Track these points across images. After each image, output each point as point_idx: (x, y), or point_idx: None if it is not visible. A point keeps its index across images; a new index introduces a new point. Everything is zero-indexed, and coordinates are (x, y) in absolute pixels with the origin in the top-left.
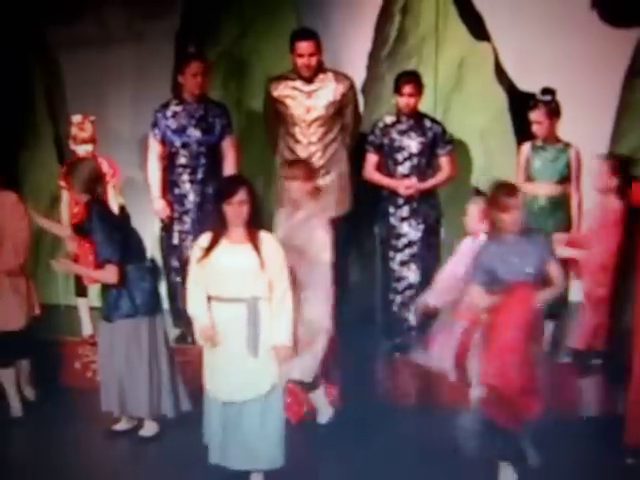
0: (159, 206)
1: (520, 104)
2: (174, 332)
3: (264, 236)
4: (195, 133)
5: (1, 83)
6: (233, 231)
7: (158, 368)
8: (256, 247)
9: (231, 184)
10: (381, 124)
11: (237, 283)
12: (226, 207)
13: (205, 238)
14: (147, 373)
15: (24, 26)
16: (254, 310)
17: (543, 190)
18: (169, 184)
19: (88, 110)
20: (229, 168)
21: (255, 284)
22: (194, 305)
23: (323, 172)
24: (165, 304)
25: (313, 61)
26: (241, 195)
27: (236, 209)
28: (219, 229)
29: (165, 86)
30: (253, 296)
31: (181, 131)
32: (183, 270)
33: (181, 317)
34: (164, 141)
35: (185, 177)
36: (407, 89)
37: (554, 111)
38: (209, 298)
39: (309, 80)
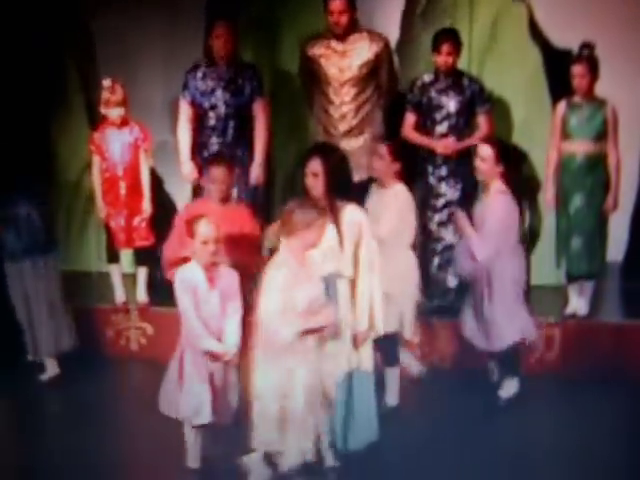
0: (187, 169)
1: (556, 61)
2: None
3: (350, 210)
4: (224, 95)
5: (33, 51)
6: (319, 204)
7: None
8: (335, 221)
9: (307, 153)
10: (419, 83)
11: (316, 258)
12: (305, 177)
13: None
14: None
15: None
16: (333, 288)
17: (580, 148)
18: (198, 146)
19: (119, 75)
20: (260, 130)
21: (334, 260)
22: None
23: (356, 133)
24: None
25: (344, 19)
26: (314, 166)
27: (310, 180)
28: (305, 197)
29: (196, 50)
30: (332, 273)
31: (210, 93)
32: None
33: None
34: (194, 103)
35: (214, 139)
36: (445, 47)
37: (594, 66)
38: None
39: (343, 39)
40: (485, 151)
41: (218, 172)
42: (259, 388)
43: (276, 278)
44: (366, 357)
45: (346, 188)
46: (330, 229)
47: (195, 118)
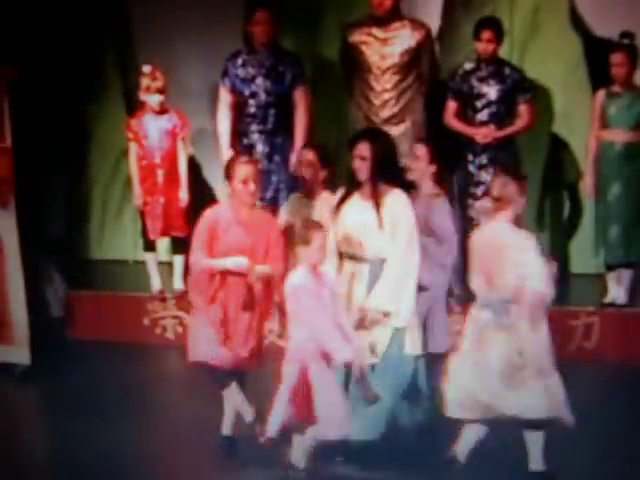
0: (227, 156)
1: (596, 50)
2: None
3: (394, 195)
4: (264, 82)
5: (71, 36)
6: (363, 187)
7: None
8: (377, 205)
9: (355, 136)
10: (461, 71)
11: (361, 241)
12: (353, 160)
13: (339, 193)
14: None
15: None
16: (376, 272)
17: (619, 137)
18: (238, 134)
19: (157, 61)
20: (300, 119)
21: (378, 244)
22: None
23: (397, 120)
24: None
25: (388, 1)
26: (361, 149)
27: (357, 163)
28: (351, 183)
29: (235, 36)
30: (377, 257)
31: (250, 80)
32: None
33: None
34: (234, 90)
35: (254, 127)
36: (485, 34)
37: (634, 55)
38: (340, 255)
39: (385, 26)
40: (419, 150)
41: (248, 169)
42: None
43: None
44: (410, 340)
45: (393, 173)
46: (370, 212)
47: (235, 105)
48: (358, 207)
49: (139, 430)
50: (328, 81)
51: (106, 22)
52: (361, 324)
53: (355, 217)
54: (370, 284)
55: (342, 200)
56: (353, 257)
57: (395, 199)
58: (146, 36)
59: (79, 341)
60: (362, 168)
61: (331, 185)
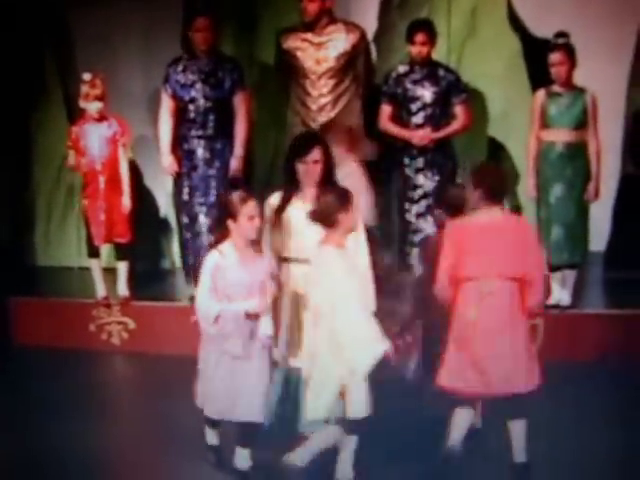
0: (167, 162)
1: (535, 50)
2: (189, 291)
3: None
4: (203, 88)
5: (10, 43)
6: (307, 191)
7: None
8: None
9: (306, 142)
10: (394, 74)
11: (309, 245)
12: (299, 165)
13: (275, 197)
14: None
15: None
16: None
17: (560, 137)
18: (179, 139)
19: (98, 68)
20: (240, 124)
21: None
22: None
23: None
24: (177, 261)
25: (312, 6)
26: (315, 154)
27: (309, 168)
28: (291, 188)
29: (175, 42)
30: None
31: (190, 86)
32: (193, 226)
33: (190, 274)
34: (175, 96)
35: (194, 132)
36: (419, 37)
37: (571, 53)
38: (285, 259)
39: (319, 31)
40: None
41: (253, 205)
42: None
43: None
44: None
45: (333, 178)
46: None
47: (176, 111)
48: (304, 211)
49: (85, 435)
50: (267, 87)
51: (47, 29)
52: None
53: (302, 221)
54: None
55: (282, 205)
56: (303, 260)
57: None
58: (86, 43)
59: (25, 347)
60: (314, 172)
61: None
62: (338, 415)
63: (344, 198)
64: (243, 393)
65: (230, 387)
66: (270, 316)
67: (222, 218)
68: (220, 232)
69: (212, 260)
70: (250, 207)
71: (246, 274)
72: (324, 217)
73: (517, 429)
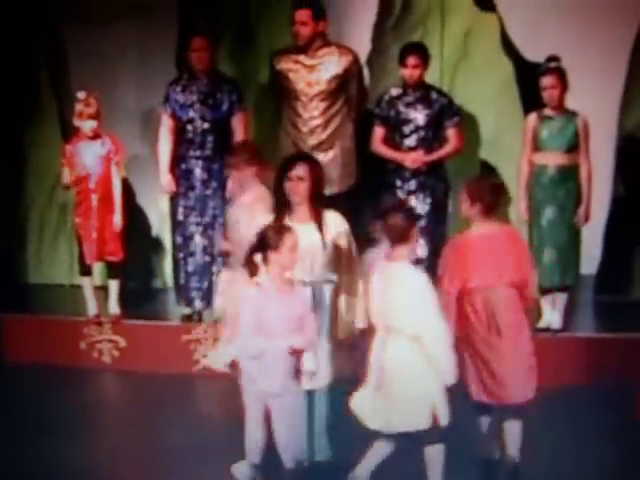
0: (165, 181)
1: (527, 74)
2: (180, 310)
3: (330, 216)
4: (201, 108)
5: (5, 60)
6: (297, 210)
7: None
8: (319, 227)
9: (291, 159)
10: (387, 97)
11: (302, 265)
12: (285, 183)
13: (267, 220)
14: None
15: (28, 3)
16: (319, 294)
17: (552, 160)
18: (177, 159)
19: (92, 86)
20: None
21: (321, 266)
22: None
23: (325, 147)
24: (169, 280)
25: (305, 30)
26: (299, 171)
27: (294, 185)
28: (281, 208)
29: (170, 61)
30: (318, 279)
31: (188, 106)
32: (187, 246)
33: (182, 294)
34: (174, 115)
35: (192, 152)
36: (411, 60)
37: (563, 77)
38: None
39: (312, 53)
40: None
41: (293, 237)
42: None
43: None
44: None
45: (322, 198)
46: (313, 234)
47: (176, 131)
48: (297, 230)
49: (75, 453)
50: (263, 105)
51: (41, 46)
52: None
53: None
54: (315, 307)
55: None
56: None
57: (334, 220)
58: (81, 60)
59: (16, 365)
60: (299, 189)
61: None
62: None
63: (412, 213)
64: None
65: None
66: (314, 352)
67: (258, 250)
68: (250, 265)
69: (251, 296)
70: (292, 238)
71: (287, 307)
72: (400, 233)
73: (516, 430)
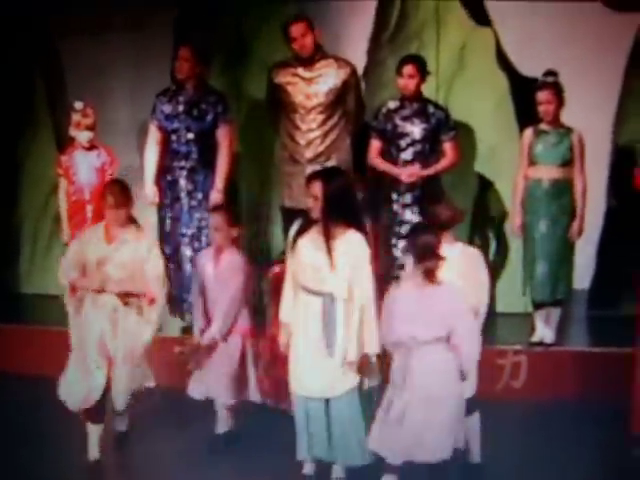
0: (150, 191)
1: (522, 89)
2: (177, 323)
3: (348, 235)
4: (186, 119)
5: (0, 71)
6: (320, 224)
7: None
8: (328, 247)
9: (310, 175)
10: (384, 109)
11: (315, 276)
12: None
13: (295, 226)
14: None
15: (24, 14)
16: (329, 307)
17: (546, 174)
18: (163, 170)
19: (87, 98)
20: (222, 156)
21: (330, 281)
22: (285, 311)
23: (322, 160)
24: None
25: (308, 40)
26: (313, 188)
27: (310, 202)
28: (308, 219)
29: (164, 75)
30: (329, 293)
31: (174, 117)
32: (175, 257)
33: (175, 306)
34: (161, 126)
35: (176, 163)
36: (407, 70)
37: (559, 92)
38: (296, 286)
39: (310, 66)
40: (216, 220)
41: None
42: None
43: None
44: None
45: (348, 212)
46: (322, 251)
47: (162, 142)
48: (313, 242)
49: (68, 464)
50: (254, 119)
51: (36, 57)
52: (360, 370)
53: (310, 252)
54: (324, 320)
55: (299, 232)
56: (308, 290)
57: (350, 241)
58: (76, 72)
59: (7, 375)
60: (315, 207)
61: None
62: None
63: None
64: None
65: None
66: None
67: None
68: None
69: None
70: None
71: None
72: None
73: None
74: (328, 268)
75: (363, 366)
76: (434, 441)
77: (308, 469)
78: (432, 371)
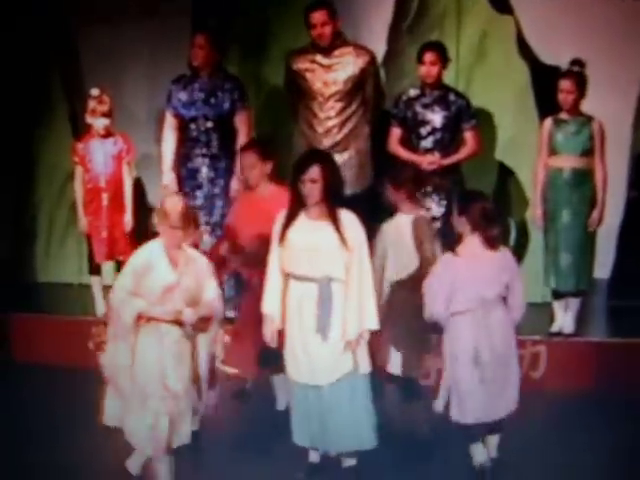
0: (168, 179)
1: (543, 78)
2: None
3: (345, 215)
4: (203, 106)
5: (17, 60)
6: (312, 208)
7: None
8: (336, 225)
9: (304, 160)
10: (405, 97)
11: (311, 261)
12: (299, 184)
13: (281, 216)
14: None
15: (40, 2)
16: (326, 291)
17: (566, 163)
18: (181, 158)
19: (103, 84)
20: (241, 143)
21: (330, 264)
22: (269, 303)
23: (340, 148)
24: None
25: (327, 30)
26: (312, 173)
27: (307, 187)
28: (295, 206)
29: (181, 62)
30: (326, 276)
31: (191, 104)
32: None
33: None
34: (177, 114)
35: (197, 151)
36: (428, 57)
37: (582, 82)
38: (286, 275)
39: (328, 53)
40: (248, 158)
41: None
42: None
43: None
44: (362, 360)
45: (340, 194)
46: (326, 232)
47: (179, 129)
48: (309, 228)
49: (83, 451)
50: (273, 106)
51: (53, 45)
52: (354, 345)
53: (304, 237)
54: (320, 304)
55: (288, 221)
56: (301, 278)
57: (348, 219)
58: (93, 60)
59: (23, 364)
60: (313, 191)
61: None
62: None
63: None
64: None
65: None
66: None
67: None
68: None
69: None
70: None
71: None
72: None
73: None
74: (337, 249)
75: (360, 342)
76: (512, 394)
77: (313, 457)
78: (500, 327)
